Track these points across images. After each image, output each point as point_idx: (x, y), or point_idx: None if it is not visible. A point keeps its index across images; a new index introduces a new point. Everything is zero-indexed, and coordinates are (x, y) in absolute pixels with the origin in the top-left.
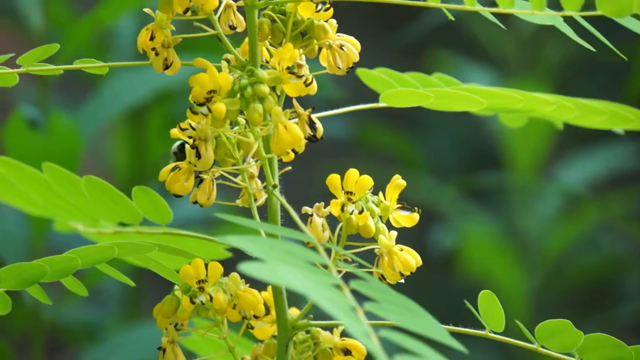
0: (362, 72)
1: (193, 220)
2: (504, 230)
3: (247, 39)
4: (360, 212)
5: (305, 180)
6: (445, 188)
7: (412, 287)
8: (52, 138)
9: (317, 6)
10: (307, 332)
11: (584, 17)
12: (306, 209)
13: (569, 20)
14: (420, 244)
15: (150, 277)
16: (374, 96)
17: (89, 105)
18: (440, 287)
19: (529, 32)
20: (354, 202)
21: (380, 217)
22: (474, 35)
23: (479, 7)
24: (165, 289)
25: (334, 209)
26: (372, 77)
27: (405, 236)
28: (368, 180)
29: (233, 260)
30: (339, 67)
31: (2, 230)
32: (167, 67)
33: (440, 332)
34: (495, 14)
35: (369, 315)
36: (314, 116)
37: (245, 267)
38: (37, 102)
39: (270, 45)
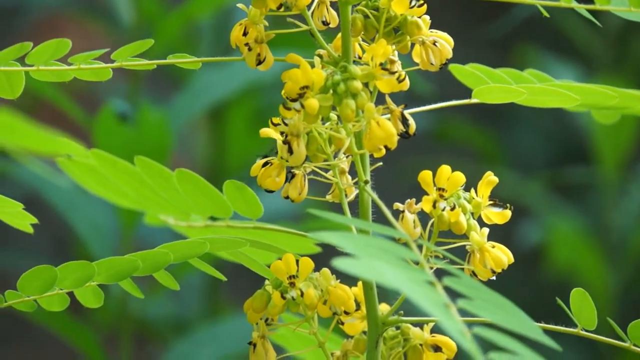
0: (454, 68)
1: (277, 215)
2: (590, 226)
3: (339, 35)
4: (452, 209)
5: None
6: (531, 183)
7: (497, 282)
8: (142, 132)
9: (410, 2)
10: (397, 328)
11: None
12: (398, 205)
13: None
14: (506, 239)
15: (228, 270)
16: (455, 91)
17: (178, 100)
18: (526, 282)
19: (616, 28)
20: (446, 199)
21: (472, 213)
22: (561, 30)
23: (575, 4)
24: (243, 281)
25: (426, 205)
26: (465, 72)
27: (491, 231)
28: (460, 177)
29: (319, 255)
30: (432, 64)
31: (91, 224)
32: (259, 62)
33: (534, 329)
34: (590, 11)
35: (461, 312)
36: (406, 112)
37: (339, 262)
38: (126, 96)
39: (363, 41)
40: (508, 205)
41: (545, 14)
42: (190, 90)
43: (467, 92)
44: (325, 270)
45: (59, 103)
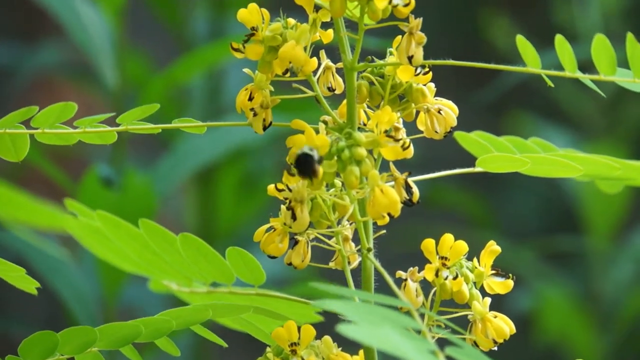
0: (459, 135)
1: (275, 275)
2: (580, 294)
3: (345, 101)
4: (455, 278)
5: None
6: (522, 250)
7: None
8: (127, 196)
9: (416, 69)
10: None
11: None
12: (400, 274)
13: None
14: (497, 306)
15: (218, 330)
16: (445, 156)
17: (163, 163)
18: (517, 350)
19: (609, 94)
20: (448, 268)
21: (474, 283)
22: (553, 95)
23: (579, 75)
24: (231, 341)
25: (428, 274)
26: (469, 140)
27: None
28: (463, 246)
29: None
30: (436, 132)
31: (74, 289)
32: (265, 127)
33: None
34: (594, 81)
35: None
36: (410, 180)
37: (344, 328)
38: (111, 160)
39: (368, 107)
40: (510, 275)
41: (551, 84)
42: (176, 153)
43: (459, 156)
44: (327, 338)
45: (43, 167)
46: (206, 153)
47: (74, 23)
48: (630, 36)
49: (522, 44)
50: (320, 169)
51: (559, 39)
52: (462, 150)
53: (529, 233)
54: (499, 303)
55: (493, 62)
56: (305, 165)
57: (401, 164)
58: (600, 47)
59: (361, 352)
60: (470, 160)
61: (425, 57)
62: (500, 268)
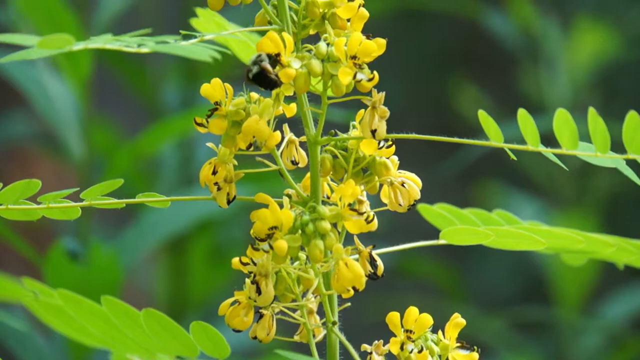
0: (422, 208)
1: (239, 349)
2: None
3: (308, 174)
4: (420, 351)
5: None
6: (492, 319)
7: None
8: (92, 269)
9: (379, 143)
10: None
11: None
12: (365, 347)
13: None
14: None
15: None
16: (414, 224)
17: (129, 235)
18: None
19: (577, 164)
20: (413, 341)
21: (440, 356)
22: (523, 164)
23: (542, 149)
24: None
25: (393, 347)
26: (433, 213)
27: None
28: (428, 319)
29: None
30: (400, 205)
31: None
32: (229, 201)
33: None
34: (557, 154)
35: None
36: (374, 253)
37: None
38: (77, 232)
39: (332, 180)
40: (475, 347)
41: (513, 157)
42: (142, 224)
43: (427, 224)
44: None
45: (10, 239)
46: (172, 224)
47: (38, 94)
48: (592, 111)
49: (484, 119)
50: (281, 73)
51: (522, 113)
52: None
53: (499, 302)
54: None
55: (462, 132)
56: (262, 78)
57: (367, 235)
58: (562, 121)
59: None
60: (437, 228)
61: (390, 130)
62: (466, 340)
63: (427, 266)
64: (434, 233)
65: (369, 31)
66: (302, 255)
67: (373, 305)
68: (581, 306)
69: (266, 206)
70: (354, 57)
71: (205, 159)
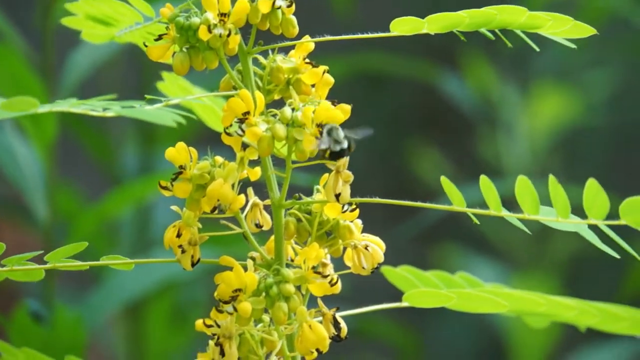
0: (386, 271)
1: None
2: None
3: (272, 237)
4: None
5: None
6: None
7: None
8: (56, 330)
9: (343, 207)
10: None
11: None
12: None
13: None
14: None
15: None
16: (375, 286)
17: (93, 297)
18: None
19: (536, 227)
20: None
21: None
22: (482, 227)
23: (505, 213)
24: None
25: None
26: (396, 275)
27: None
28: None
29: None
30: (363, 267)
31: None
32: (194, 264)
33: None
34: (519, 219)
35: None
36: (338, 315)
37: None
38: (41, 294)
39: (296, 243)
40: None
41: (476, 221)
42: (105, 287)
43: (389, 286)
44: None
45: None
46: (136, 286)
47: (5, 158)
48: (552, 178)
49: (447, 185)
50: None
51: (484, 180)
52: None
53: None
54: None
55: (421, 195)
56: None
57: (331, 297)
58: (523, 187)
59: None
60: (400, 290)
61: (353, 194)
62: None
63: (386, 327)
64: (396, 294)
65: (327, 95)
66: (266, 317)
67: None
68: None
69: (230, 269)
70: (319, 125)
71: (163, 222)
